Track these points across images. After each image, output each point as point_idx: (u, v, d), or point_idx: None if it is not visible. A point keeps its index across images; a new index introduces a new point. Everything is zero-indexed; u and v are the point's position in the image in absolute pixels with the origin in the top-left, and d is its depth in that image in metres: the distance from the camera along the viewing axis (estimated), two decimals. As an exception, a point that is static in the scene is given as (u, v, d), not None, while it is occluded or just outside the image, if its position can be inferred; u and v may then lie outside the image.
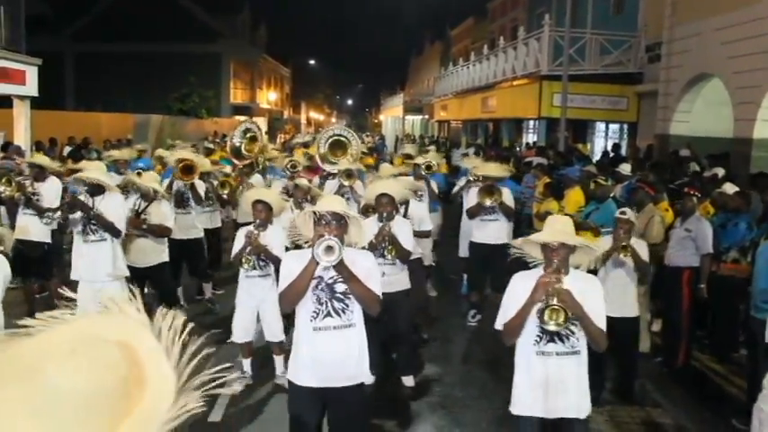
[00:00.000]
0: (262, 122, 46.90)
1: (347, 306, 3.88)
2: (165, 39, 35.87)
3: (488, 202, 8.06)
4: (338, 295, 3.88)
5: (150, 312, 1.38)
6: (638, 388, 6.71)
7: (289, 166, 9.85)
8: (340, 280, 3.85)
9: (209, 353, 1.41)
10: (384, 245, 6.03)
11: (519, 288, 3.92)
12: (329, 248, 3.60)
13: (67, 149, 14.18)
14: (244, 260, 6.18)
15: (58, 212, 7.53)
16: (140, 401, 1.22)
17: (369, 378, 4.08)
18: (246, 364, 6.60)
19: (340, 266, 3.71)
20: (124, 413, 1.19)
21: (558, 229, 3.96)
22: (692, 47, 14.23)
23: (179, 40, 36.20)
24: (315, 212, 3.90)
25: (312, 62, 72.40)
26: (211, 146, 15.33)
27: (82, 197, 6.46)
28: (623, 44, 18.26)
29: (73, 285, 6.45)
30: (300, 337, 3.94)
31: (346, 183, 9.03)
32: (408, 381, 6.62)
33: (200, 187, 8.79)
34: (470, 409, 6.22)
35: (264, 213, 6.19)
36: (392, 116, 65.75)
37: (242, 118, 40.25)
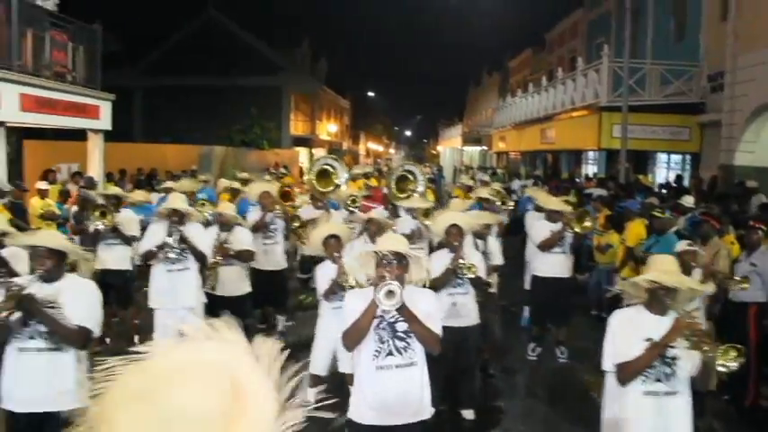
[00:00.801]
0: (321, 154, 47.68)
1: (409, 345, 3.91)
2: (229, 72, 36.95)
3: (583, 227, 8.00)
4: (400, 334, 3.91)
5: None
6: (706, 427, 6.56)
7: (349, 201, 9.95)
8: (401, 319, 3.89)
9: (302, 376, 1.53)
10: (462, 267, 6.11)
11: (625, 326, 3.90)
12: (390, 293, 3.63)
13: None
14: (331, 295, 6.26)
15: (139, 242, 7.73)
16: (244, 423, 1.35)
17: (430, 413, 4.09)
18: (311, 393, 6.69)
19: (401, 308, 3.76)
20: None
21: (668, 269, 3.95)
22: (756, 76, 13.97)
23: (242, 73, 37.22)
24: (376, 252, 3.97)
25: (371, 94, 73.35)
26: (267, 178, 15.61)
27: (163, 226, 6.63)
28: (684, 74, 18.01)
29: (144, 313, 6.72)
30: (363, 376, 3.98)
31: (426, 222, 9.05)
32: (469, 414, 6.62)
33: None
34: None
35: (337, 246, 6.28)
36: (450, 147, 65.95)
37: (301, 149, 41.20)
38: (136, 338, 8.09)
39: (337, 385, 6.45)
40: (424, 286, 7.26)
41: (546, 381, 7.75)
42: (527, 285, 9.27)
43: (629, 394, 3.88)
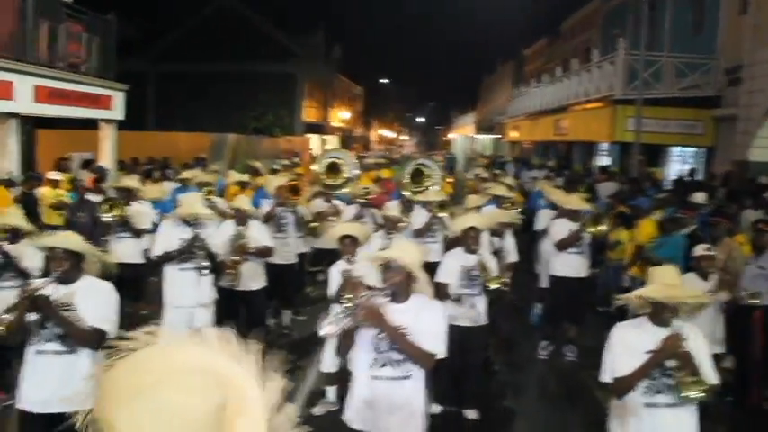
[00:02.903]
0: (333, 141, 47.72)
1: (405, 358, 3.89)
2: (242, 59, 36.90)
3: (598, 231, 7.99)
4: (397, 347, 3.88)
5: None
6: (708, 427, 6.55)
7: (363, 193, 9.98)
8: (402, 331, 3.85)
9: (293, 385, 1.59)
10: (482, 276, 6.15)
11: (628, 338, 3.91)
12: (330, 324, 3.73)
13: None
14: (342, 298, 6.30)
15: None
16: (237, 424, 1.41)
17: (424, 422, 4.05)
18: (331, 392, 6.69)
19: (386, 327, 3.78)
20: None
21: (667, 282, 3.94)
22: (774, 71, 13.84)
23: (255, 60, 37.17)
24: (385, 259, 3.94)
25: (384, 81, 73.12)
26: (287, 162, 15.65)
27: (181, 228, 6.68)
28: (701, 67, 17.84)
29: (156, 306, 6.78)
30: (357, 383, 4.00)
31: (440, 215, 9.09)
32: (472, 414, 6.64)
33: (302, 211, 8.98)
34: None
35: (352, 247, 6.23)
36: (463, 134, 65.79)
37: (313, 136, 41.19)
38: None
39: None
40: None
41: (552, 380, 7.76)
42: (543, 284, 9.20)
43: (631, 406, 3.90)
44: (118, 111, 14.03)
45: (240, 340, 1.53)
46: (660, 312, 3.82)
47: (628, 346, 3.85)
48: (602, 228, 7.94)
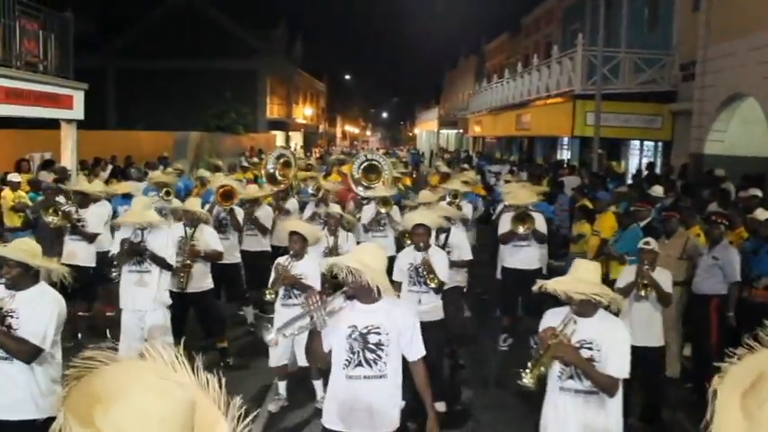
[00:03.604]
0: (298, 137, 47.57)
1: (380, 357, 3.90)
2: (203, 55, 36.53)
3: (521, 230, 8.19)
4: (371, 346, 3.90)
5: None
6: (669, 415, 6.76)
7: (314, 188, 10.12)
8: (374, 330, 3.90)
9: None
10: (424, 274, 6.21)
11: (550, 325, 4.04)
12: (273, 332, 3.85)
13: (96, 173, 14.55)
14: (274, 292, 6.42)
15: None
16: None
17: (397, 425, 4.08)
18: (281, 386, 6.83)
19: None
20: None
21: (580, 277, 4.06)
22: (726, 66, 14.19)
23: (216, 56, 36.82)
24: (342, 268, 3.87)
25: (347, 77, 73.07)
26: (245, 164, 15.65)
27: (131, 233, 6.66)
28: (657, 62, 18.23)
29: (115, 308, 6.78)
30: (333, 383, 4.02)
31: (383, 210, 9.23)
32: (440, 406, 6.72)
33: (239, 214, 8.99)
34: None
35: (299, 244, 6.38)
36: (427, 130, 66.03)
37: (277, 133, 41.01)
38: (108, 333, 8.12)
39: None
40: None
41: (513, 372, 7.90)
42: (498, 275, 9.45)
43: (550, 390, 4.10)
44: (78, 110, 13.82)
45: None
46: (574, 303, 3.95)
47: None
48: (521, 230, 8.13)
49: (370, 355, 3.90)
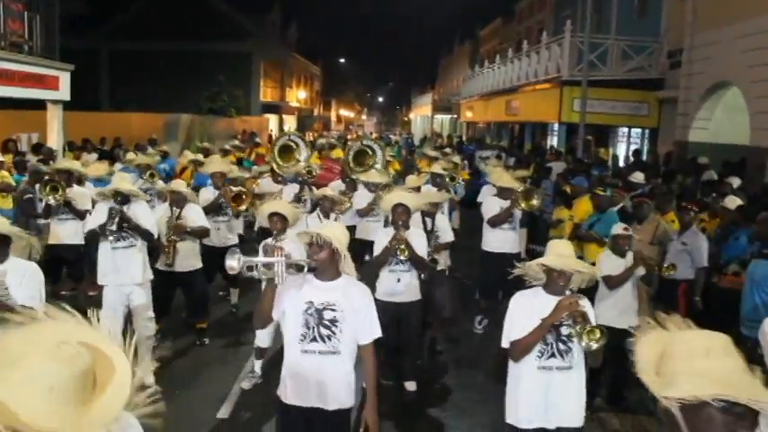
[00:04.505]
0: (291, 121, 47.50)
1: (333, 334, 3.99)
2: (197, 38, 36.44)
3: (530, 206, 8.25)
4: (326, 322, 3.99)
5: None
6: (635, 396, 6.90)
7: (305, 172, 10.15)
8: (330, 307, 3.99)
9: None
10: (397, 248, 6.30)
11: (524, 306, 4.16)
12: (268, 265, 3.84)
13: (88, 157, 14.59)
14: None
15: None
16: (102, 392, 1.68)
17: (352, 403, 4.17)
18: (258, 365, 6.97)
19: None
20: (88, 399, 1.65)
21: (560, 253, 4.22)
22: (712, 54, 14.28)
23: (210, 39, 36.74)
24: (311, 235, 4.05)
25: (342, 60, 72.85)
26: (227, 147, 15.63)
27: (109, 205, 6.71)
28: (645, 50, 18.30)
29: (99, 287, 6.86)
30: (288, 357, 4.10)
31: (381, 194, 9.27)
32: (411, 386, 6.90)
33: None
34: (468, 414, 6.49)
35: (280, 224, 6.47)
36: (421, 114, 65.98)
37: (270, 116, 40.94)
38: (89, 312, 8.20)
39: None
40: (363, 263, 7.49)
41: (491, 353, 8.04)
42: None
43: (524, 369, 4.17)
44: (64, 91, 13.86)
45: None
46: (554, 282, 4.10)
47: (524, 313, 4.12)
48: (534, 203, 8.20)
49: (324, 331, 3.99)
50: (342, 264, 4.08)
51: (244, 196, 8.85)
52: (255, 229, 10.09)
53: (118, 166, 11.77)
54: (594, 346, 3.90)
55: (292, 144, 11.34)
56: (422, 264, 6.46)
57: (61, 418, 1.55)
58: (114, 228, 6.42)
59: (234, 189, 8.86)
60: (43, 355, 1.59)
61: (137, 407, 1.74)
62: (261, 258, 4.10)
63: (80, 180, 9.05)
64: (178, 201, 7.63)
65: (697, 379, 1.91)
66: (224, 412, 6.27)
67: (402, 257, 6.30)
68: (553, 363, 4.12)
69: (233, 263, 3.80)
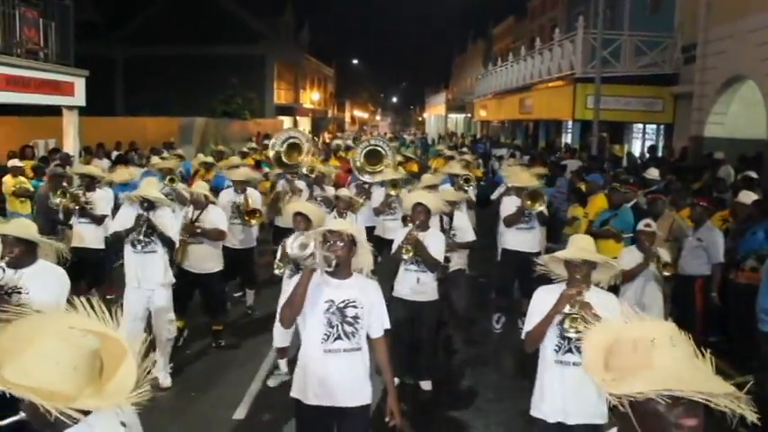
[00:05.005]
0: (305, 122, 47.63)
1: (357, 330, 4.04)
2: (210, 42, 36.67)
3: (538, 207, 8.12)
4: (349, 319, 4.02)
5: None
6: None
7: (308, 170, 10.21)
8: (351, 304, 4.01)
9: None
10: (403, 247, 6.29)
11: (543, 300, 4.19)
12: (303, 245, 3.74)
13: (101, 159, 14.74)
14: (283, 265, 6.51)
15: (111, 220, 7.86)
16: (108, 379, 1.88)
17: (370, 398, 4.21)
18: (283, 363, 7.00)
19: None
20: (94, 382, 1.83)
21: (580, 246, 4.23)
22: (726, 48, 14.17)
23: (223, 42, 36.96)
24: (326, 232, 4.03)
25: (356, 61, 72.92)
26: (245, 150, 15.72)
27: (133, 210, 6.70)
28: (659, 45, 18.18)
29: (120, 290, 6.92)
30: (309, 359, 4.08)
31: (393, 192, 9.31)
32: (426, 385, 6.90)
33: (254, 199, 8.99)
34: (483, 414, 6.48)
35: (303, 224, 6.40)
36: (435, 114, 65.94)
37: (285, 118, 41.08)
38: (111, 314, 8.27)
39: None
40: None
41: (508, 352, 8.03)
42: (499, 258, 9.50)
43: (546, 364, 4.23)
44: (79, 97, 13.99)
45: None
46: (572, 276, 4.10)
47: (542, 307, 4.14)
48: (538, 206, 8.11)
49: (348, 329, 4.02)
50: (358, 258, 4.13)
51: (258, 214, 8.90)
52: (271, 230, 10.19)
53: (137, 170, 11.83)
54: (572, 334, 3.93)
55: (297, 142, 11.36)
56: (433, 264, 6.44)
57: (77, 388, 1.76)
58: (141, 237, 6.51)
59: (251, 205, 8.87)
60: (54, 336, 1.78)
61: (144, 391, 1.90)
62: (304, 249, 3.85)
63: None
64: (198, 203, 7.69)
65: (646, 375, 1.88)
66: (240, 413, 6.31)
67: (405, 256, 6.30)
68: (570, 358, 4.12)
69: (305, 252, 3.74)
